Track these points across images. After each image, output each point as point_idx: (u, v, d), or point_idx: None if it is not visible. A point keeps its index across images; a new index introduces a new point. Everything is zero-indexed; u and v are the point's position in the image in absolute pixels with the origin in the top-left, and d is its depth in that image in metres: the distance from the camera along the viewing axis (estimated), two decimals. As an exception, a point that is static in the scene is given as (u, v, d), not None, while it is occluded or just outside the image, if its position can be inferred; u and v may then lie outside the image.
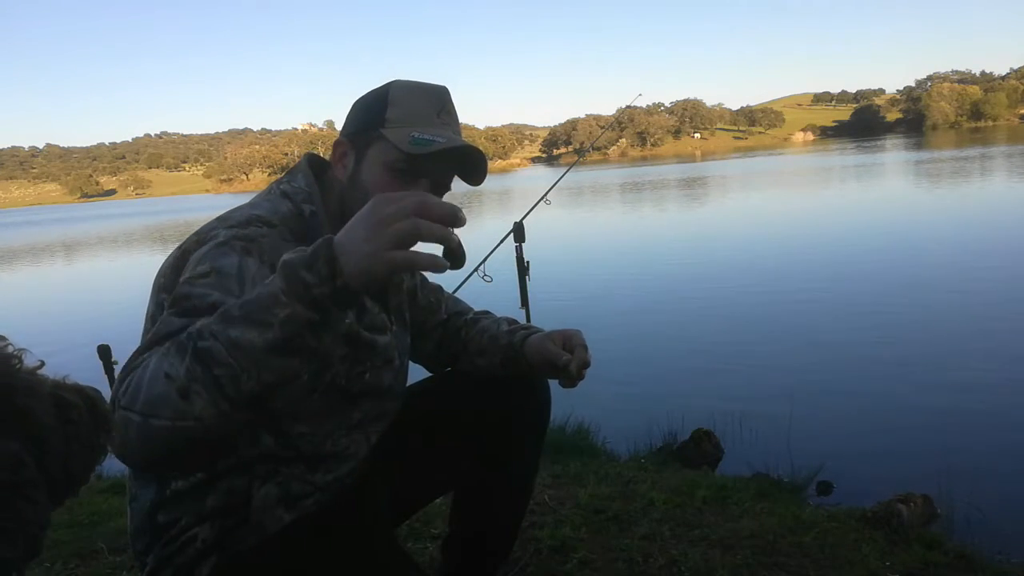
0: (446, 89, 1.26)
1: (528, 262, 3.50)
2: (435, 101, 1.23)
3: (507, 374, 1.48)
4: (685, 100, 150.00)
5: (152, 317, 1.14)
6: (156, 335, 0.95)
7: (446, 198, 1.11)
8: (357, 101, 1.27)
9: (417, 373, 1.52)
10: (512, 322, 1.54)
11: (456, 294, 1.67)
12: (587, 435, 3.72)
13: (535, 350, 1.42)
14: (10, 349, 0.74)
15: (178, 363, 0.88)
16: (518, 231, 3.43)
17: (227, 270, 1.04)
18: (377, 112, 1.21)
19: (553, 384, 1.51)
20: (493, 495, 1.55)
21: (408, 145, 1.17)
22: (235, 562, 1.15)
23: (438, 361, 1.57)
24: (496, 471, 1.50)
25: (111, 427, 0.77)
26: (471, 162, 1.26)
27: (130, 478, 1.22)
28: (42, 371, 0.76)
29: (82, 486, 0.76)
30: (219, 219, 1.18)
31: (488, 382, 1.50)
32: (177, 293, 1.03)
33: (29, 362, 0.74)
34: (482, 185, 1.32)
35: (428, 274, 1.57)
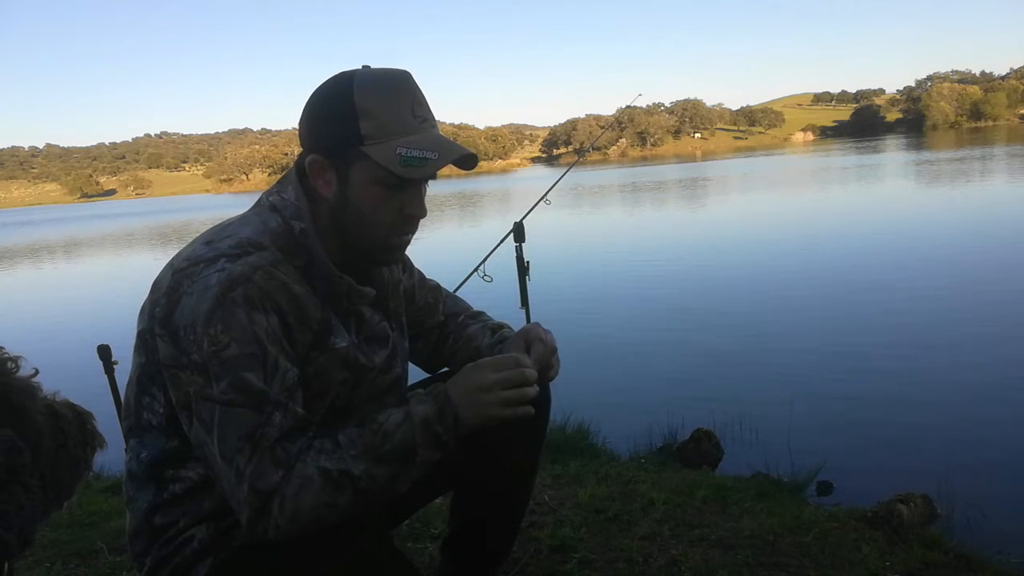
0: (408, 75, 1.20)
1: (528, 262, 3.50)
2: (405, 98, 1.18)
3: None
4: (685, 100, 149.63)
5: (139, 350, 1.17)
6: (237, 433, 1.07)
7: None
8: (316, 106, 1.20)
9: (416, 374, 1.52)
10: (498, 328, 1.53)
11: (456, 295, 1.66)
12: (587, 435, 3.72)
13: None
14: (5, 355, 0.76)
15: (338, 497, 1.10)
16: (518, 231, 3.43)
17: (242, 335, 1.08)
18: (349, 126, 1.15)
19: (553, 384, 1.51)
20: (492, 495, 1.54)
21: (400, 167, 1.15)
22: (231, 562, 1.16)
23: (433, 363, 1.56)
24: (495, 471, 1.50)
25: (97, 444, 0.81)
26: (461, 158, 1.25)
27: (127, 480, 1.22)
28: (37, 380, 0.78)
29: (68, 498, 0.79)
30: (208, 242, 1.17)
31: None
32: (212, 372, 1.07)
33: (25, 370, 0.76)
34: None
35: (426, 273, 1.58)
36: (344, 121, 1.15)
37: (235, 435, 1.07)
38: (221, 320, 1.07)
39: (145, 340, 1.15)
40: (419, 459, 1.14)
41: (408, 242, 1.29)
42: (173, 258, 1.18)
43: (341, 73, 1.20)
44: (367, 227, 1.21)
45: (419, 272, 1.54)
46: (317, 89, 1.21)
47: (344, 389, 1.24)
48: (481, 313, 1.59)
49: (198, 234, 1.24)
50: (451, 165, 1.24)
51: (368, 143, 1.15)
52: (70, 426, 0.79)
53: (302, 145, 1.23)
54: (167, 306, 1.11)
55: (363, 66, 1.21)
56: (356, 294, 1.24)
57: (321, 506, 1.08)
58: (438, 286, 1.58)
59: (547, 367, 1.36)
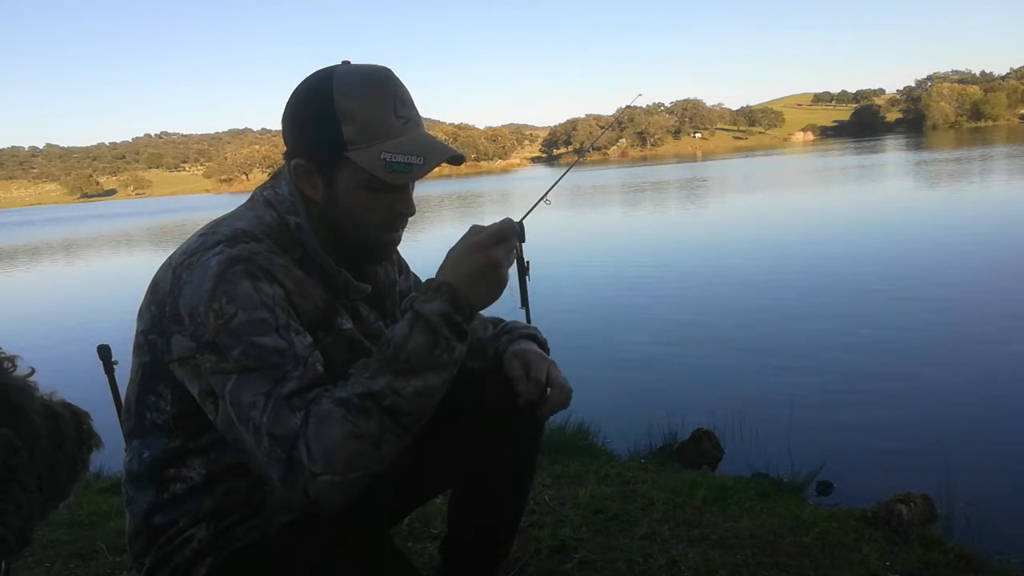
0: (389, 72, 1.18)
1: (528, 262, 3.49)
2: (387, 98, 1.15)
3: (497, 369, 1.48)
4: (685, 100, 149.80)
5: (141, 350, 1.16)
6: (253, 391, 1.02)
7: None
8: (297, 108, 1.18)
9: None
10: (497, 322, 1.53)
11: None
12: (587, 435, 3.72)
13: (507, 365, 1.41)
14: (2, 355, 0.76)
15: (366, 423, 1.02)
16: (518, 231, 3.43)
17: (249, 303, 1.05)
18: (331, 132, 1.13)
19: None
20: (491, 494, 1.54)
21: (385, 172, 1.13)
22: (231, 562, 1.15)
23: None
24: (494, 469, 1.50)
25: (94, 445, 0.81)
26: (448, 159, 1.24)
27: (126, 481, 1.22)
28: (33, 379, 0.78)
29: (64, 499, 0.78)
30: (203, 235, 1.16)
31: (485, 380, 1.50)
32: (223, 344, 1.04)
33: (21, 370, 0.76)
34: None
35: (427, 273, 1.57)
36: (326, 126, 1.14)
37: (250, 395, 1.03)
38: (225, 293, 1.05)
39: (149, 340, 1.14)
40: (446, 357, 1.07)
41: (400, 238, 1.29)
42: (170, 256, 1.17)
43: (320, 72, 1.18)
44: (357, 226, 1.21)
45: (415, 276, 1.55)
46: (297, 89, 1.19)
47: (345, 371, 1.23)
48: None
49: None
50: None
51: (352, 148, 1.14)
52: (67, 426, 0.78)
53: (286, 145, 1.22)
54: (174, 302, 1.10)
55: (343, 61, 1.19)
56: (353, 289, 1.24)
57: (352, 439, 1.00)
58: None
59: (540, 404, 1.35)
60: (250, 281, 1.07)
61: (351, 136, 1.13)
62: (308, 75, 1.19)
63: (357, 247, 1.24)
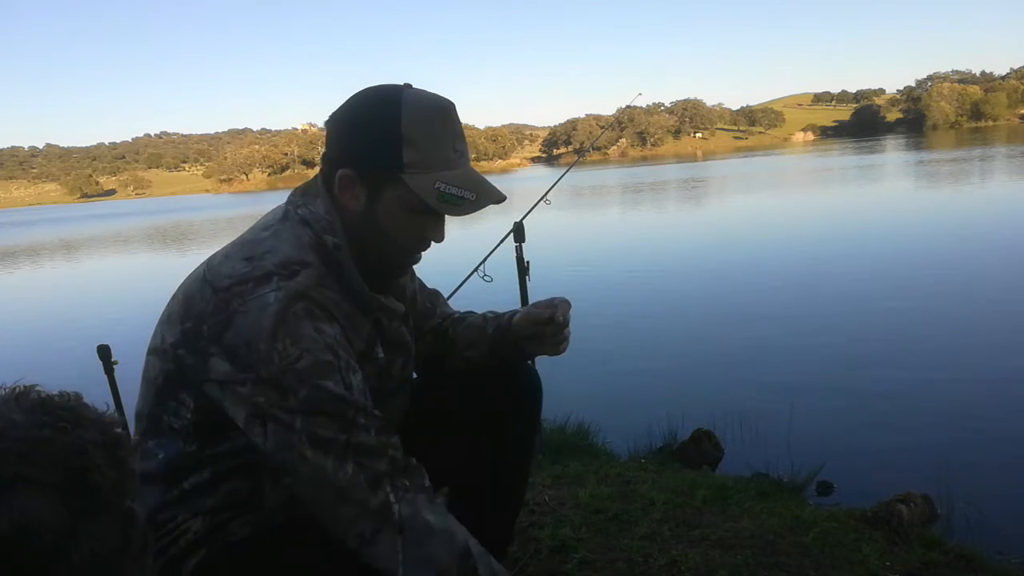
0: (453, 107, 1.22)
1: (528, 262, 3.49)
2: (449, 133, 1.20)
3: (495, 361, 1.52)
4: (685, 100, 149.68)
5: (165, 356, 1.16)
6: (326, 444, 1.08)
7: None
8: (359, 122, 1.20)
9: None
10: (494, 315, 1.57)
11: (456, 294, 1.67)
12: (587, 435, 3.72)
13: (521, 318, 1.47)
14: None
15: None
16: (518, 231, 3.42)
17: (314, 345, 1.09)
18: (393, 153, 1.16)
19: (547, 380, 1.52)
20: (487, 492, 1.55)
21: (436, 201, 1.16)
22: (224, 555, 1.17)
23: (428, 362, 1.58)
24: (489, 470, 1.51)
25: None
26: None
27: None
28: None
29: None
30: (247, 259, 1.15)
31: (478, 377, 1.52)
32: (288, 385, 1.07)
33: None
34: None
35: (427, 272, 1.59)
36: (388, 147, 1.16)
37: (323, 437, 1.07)
38: (288, 334, 1.07)
39: (177, 353, 1.14)
40: None
41: (418, 260, 1.32)
42: (206, 272, 1.16)
43: (385, 91, 1.20)
44: (386, 242, 1.23)
45: (419, 280, 1.57)
46: (358, 102, 1.20)
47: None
48: (471, 312, 1.64)
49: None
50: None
51: (408, 172, 1.16)
52: (139, 536, 0.73)
53: (330, 151, 1.22)
54: (216, 325, 1.10)
55: (405, 84, 1.21)
56: (386, 312, 1.27)
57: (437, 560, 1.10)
58: (437, 292, 1.61)
59: (561, 326, 1.44)
60: (311, 322, 1.10)
61: (410, 160, 1.16)
62: (368, 89, 1.22)
63: (380, 261, 1.26)
